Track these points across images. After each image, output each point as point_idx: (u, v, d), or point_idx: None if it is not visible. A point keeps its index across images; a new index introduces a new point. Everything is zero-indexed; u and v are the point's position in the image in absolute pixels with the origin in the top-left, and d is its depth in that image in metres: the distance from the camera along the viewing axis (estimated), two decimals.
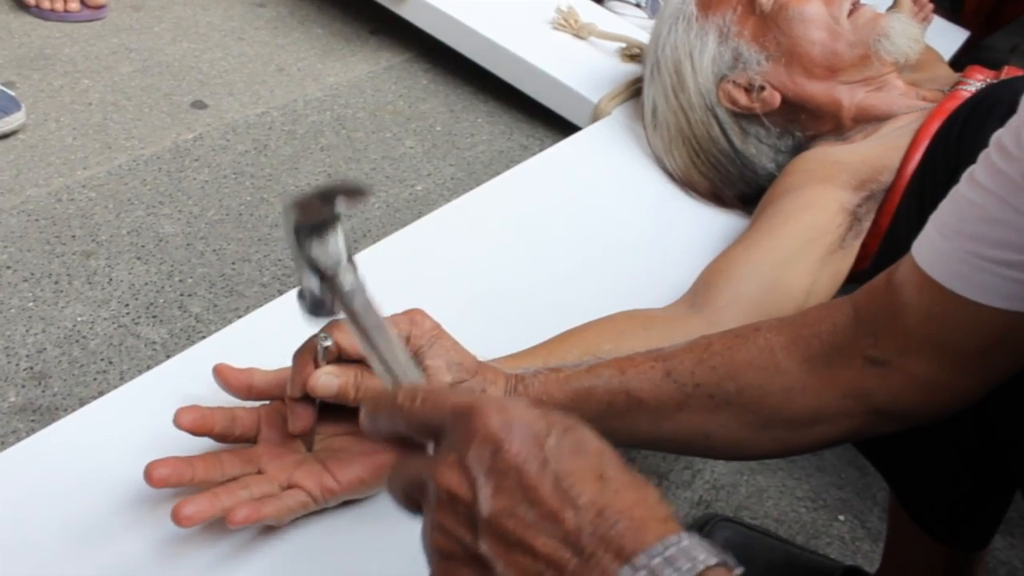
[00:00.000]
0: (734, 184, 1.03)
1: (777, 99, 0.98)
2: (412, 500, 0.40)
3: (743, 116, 1.00)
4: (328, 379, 0.55)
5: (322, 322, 0.51)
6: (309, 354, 0.56)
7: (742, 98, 0.99)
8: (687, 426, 0.59)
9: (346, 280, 0.47)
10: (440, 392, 0.42)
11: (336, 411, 0.59)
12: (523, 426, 0.37)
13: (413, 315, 0.60)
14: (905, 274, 0.53)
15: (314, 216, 0.46)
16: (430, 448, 0.41)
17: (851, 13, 0.97)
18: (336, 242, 0.47)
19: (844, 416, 0.56)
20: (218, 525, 0.57)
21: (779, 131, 1.00)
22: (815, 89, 0.97)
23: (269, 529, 0.58)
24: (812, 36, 0.96)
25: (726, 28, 1.00)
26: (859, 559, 0.94)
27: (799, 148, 0.99)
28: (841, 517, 0.97)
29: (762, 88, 0.98)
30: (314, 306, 0.49)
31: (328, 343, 0.56)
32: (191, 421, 0.55)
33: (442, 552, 0.38)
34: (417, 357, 0.58)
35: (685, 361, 0.59)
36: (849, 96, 0.97)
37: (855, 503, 0.98)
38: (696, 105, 1.01)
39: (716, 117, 1.01)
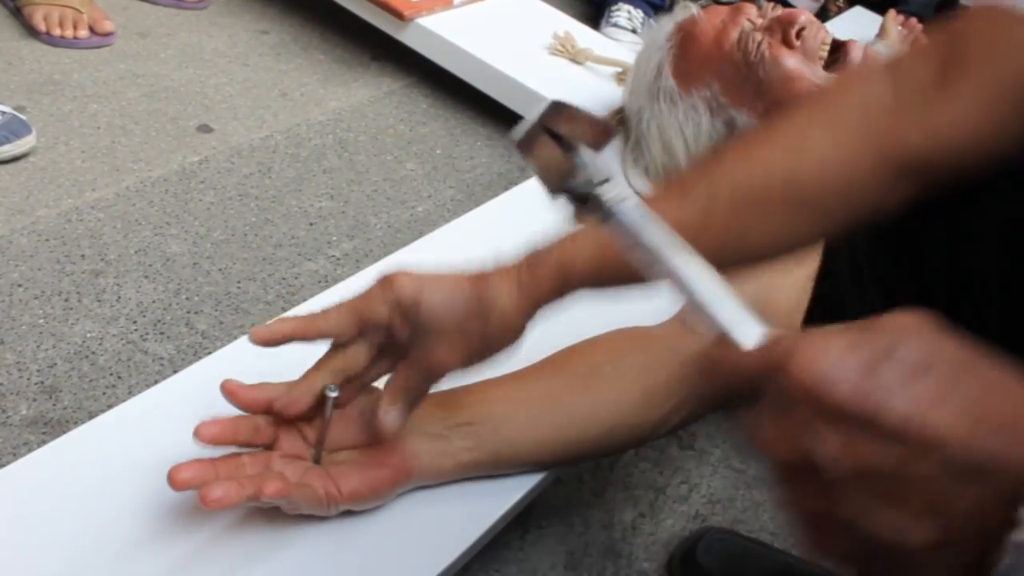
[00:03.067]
0: None
1: None
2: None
3: None
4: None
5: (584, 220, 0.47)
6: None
7: None
8: None
9: (619, 191, 0.43)
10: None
11: (342, 428, 0.61)
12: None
13: (389, 282, 0.58)
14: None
15: (586, 129, 0.45)
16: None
17: (829, 65, 0.98)
18: (610, 153, 0.45)
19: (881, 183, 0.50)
20: (226, 537, 0.59)
21: None
22: None
23: (274, 539, 0.59)
24: (797, 90, 0.97)
25: (714, 100, 1.00)
26: (854, 571, 0.95)
27: None
28: None
29: None
30: (581, 201, 0.45)
31: (335, 394, 0.58)
32: (213, 436, 0.57)
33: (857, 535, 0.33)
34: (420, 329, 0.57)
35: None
36: None
37: None
38: None
39: None
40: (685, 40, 1.03)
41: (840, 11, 2.21)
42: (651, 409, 0.70)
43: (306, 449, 0.61)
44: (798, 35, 0.99)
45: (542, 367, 0.70)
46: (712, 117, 1.00)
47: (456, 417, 0.64)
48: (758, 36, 0.99)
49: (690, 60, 1.02)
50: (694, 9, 1.05)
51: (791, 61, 0.97)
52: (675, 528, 0.91)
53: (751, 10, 1.02)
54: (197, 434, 0.56)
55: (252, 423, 0.59)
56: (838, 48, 1.03)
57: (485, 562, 0.82)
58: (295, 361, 0.74)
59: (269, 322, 0.59)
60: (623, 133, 1.17)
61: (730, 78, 1.00)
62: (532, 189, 1.07)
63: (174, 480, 0.54)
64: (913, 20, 1.56)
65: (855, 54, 0.98)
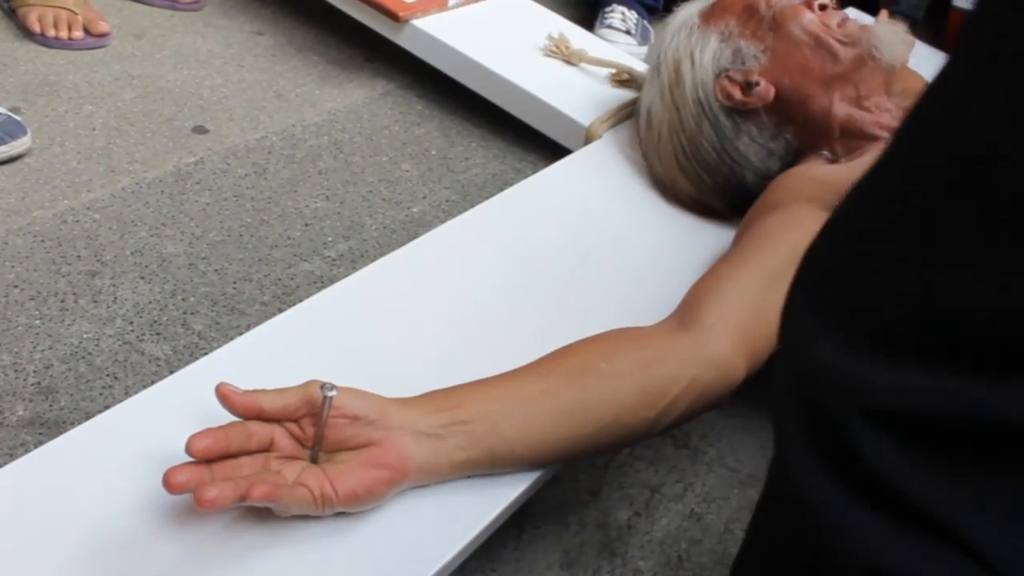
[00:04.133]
0: (718, 187, 1.05)
1: (771, 93, 1.01)
2: None
3: (737, 112, 1.03)
4: None
5: None
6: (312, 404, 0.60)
7: (737, 93, 1.02)
8: None
9: None
10: None
11: (339, 428, 0.61)
12: None
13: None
14: None
15: None
16: None
17: (841, 24, 1.03)
18: None
19: None
20: (222, 537, 0.59)
21: (772, 132, 1.03)
22: (810, 87, 1.01)
23: (268, 540, 0.60)
24: (808, 31, 1.01)
25: (727, 31, 1.05)
26: None
27: (788, 155, 1.02)
28: None
29: (757, 83, 1.01)
30: None
31: (332, 393, 0.58)
32: (205, 448, 0.56)
33: None
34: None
35: None
36: (839, 107, 1.00)
37: None
38: (690, 100, 1.05)
39: (708, 112, 1.04)
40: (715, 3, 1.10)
41: None
42: (646, 408, 0.70)
43: (303, 449, 0.61)
44: (821, 8, 1.04)
45: (537, 366, 0.71)
46: (721, 42, 1.05)
47: (451, 416, 0.64)
48: None
49: (717, 6, 1.08)
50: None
51: (809, 15, 1.02)
52: (670, 527, 0.91)
53: None
54: (188, 447, 0.55)
55: (245, 429, 0.58)
56: None
57: (481, 561, 0.83)
58: (292, 361, 0.74)
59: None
60: (627, 124, 1.20)
61: (747, 16, 1.05)
62: (526, 190, 1.08)
63: (170, 483, 0.54)
64: (903, 24, 1.58)
65: (854, 21, 1.04)
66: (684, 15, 1.11)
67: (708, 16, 1.07)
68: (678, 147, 1.06)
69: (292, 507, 0.58)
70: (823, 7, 1.04)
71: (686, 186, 1.07)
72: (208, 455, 0.56)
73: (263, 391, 0.60)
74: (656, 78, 1.10)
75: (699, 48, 1.05)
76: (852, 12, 2.18)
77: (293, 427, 0.61)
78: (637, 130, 1.16)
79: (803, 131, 1.02)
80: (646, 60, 1.48)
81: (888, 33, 1.01)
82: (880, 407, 0.36)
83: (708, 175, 1.05)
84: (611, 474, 0.96)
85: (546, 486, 0.91)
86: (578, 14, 1.89)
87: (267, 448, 0.60)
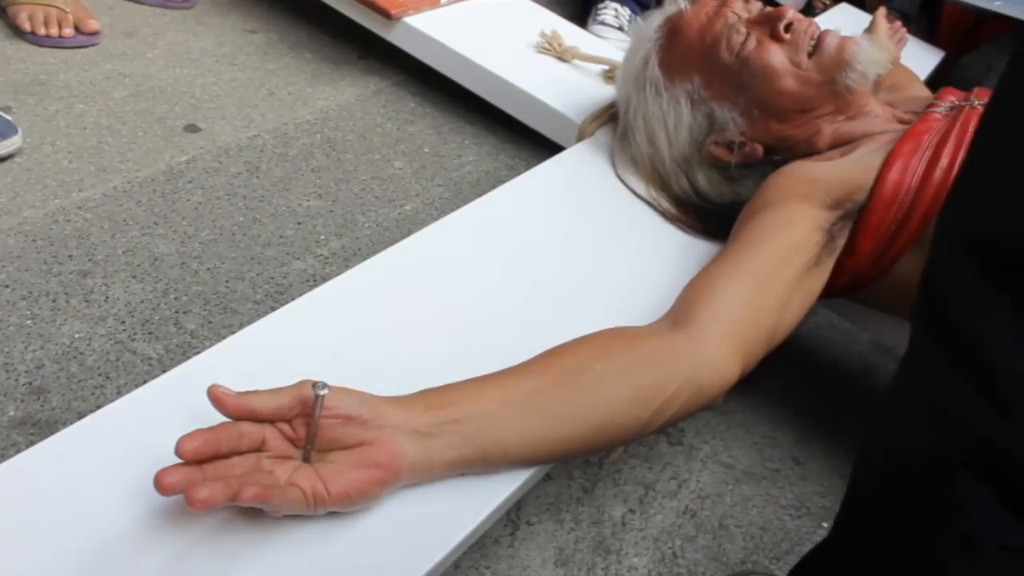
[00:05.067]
0: (722, 223, 1.03)
1: (759, 150, 1.00)
2: None
3: (726, 166, 1.02)
4: None
5: None
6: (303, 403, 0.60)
7: (725, 156, 1.01)
8: None
9: None
10: None
11: (331, 428, 0.61)
12: None
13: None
14: None
15: None
16: None
17: (814, 52, 0.98)
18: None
19: None
20: (215, 537, 0.59)
21: (761, 167, 1.01)
22: (792, 131, 0.99)
23: (261, 539, 0.59)
24: (778, 86, 0.97)
25: (695, 93, 1.01)
26: None
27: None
28: (825, 524, 0.99)
29: (743, 144, 1.00)
30: None
31: (324, 392, 0.58)
32: (195, 450, 0.55)
33: None
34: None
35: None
36: (826, 129, 0.99)
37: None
38: (673, 173, 1.04)
39: (695, 184, 1.02)
40: (671, 32, 1.04)
41: (826, 8, 2.22)
42: (640, 408, 0.70)
43: (295, 449, 0.61)
44: (787, 29, 0.99)
45: (530, 365, 0.70)
46: (693, 109, 1.01)
47: (444, 415, 0.64)
48: (742, 29, 0.99)
49: (675, 52, 1.03)
50: (683, 3, 1.06)
51: (776, 56, 0.97)
52: (665, 523, 0.92)
53: (737, 3, 1.02)
54: (178, 449, 0.55)
55: (236, 430, 0.58)
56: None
57: (476, 559, 0.83)
58: (285, 360, 0.74)
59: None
60: (613, 124, 1.18)
61: (712, 71, 1.00)
62: (519, 187, 1.08)
63: (161, 485, 0.53)
64: (899, 23, 1.58)
65: (830, 40, 0.98)
66: (641, 59, 1.05)
67: (669, 68, 1.02)
68: (672, 201, 1.05)
69: (283, 507, 0.58)
70: (788, 28, 0.98)
71: (691, 223, 1.06)
72: (198, 457, 0.55)
73: (255, 392, 0.60)
74: (631, 142, 1.07)
75: (671, 118, 1.02)
76: (845, 8, 2.19)
77: (285, 427, 0.60)
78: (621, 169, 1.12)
79: (791, 154, 1.00)
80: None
81: (865, 59, 0.97)
82: None
83: (708, 220, 1.04)
84: (605, 471, 0.96)
85: (540, 483, 0.91)
86: (572, 11, 1.89)
87: (259, 448, 0.60)
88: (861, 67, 0.97)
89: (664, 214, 1.06)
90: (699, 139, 1.02)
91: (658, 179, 1.06)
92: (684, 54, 1.02)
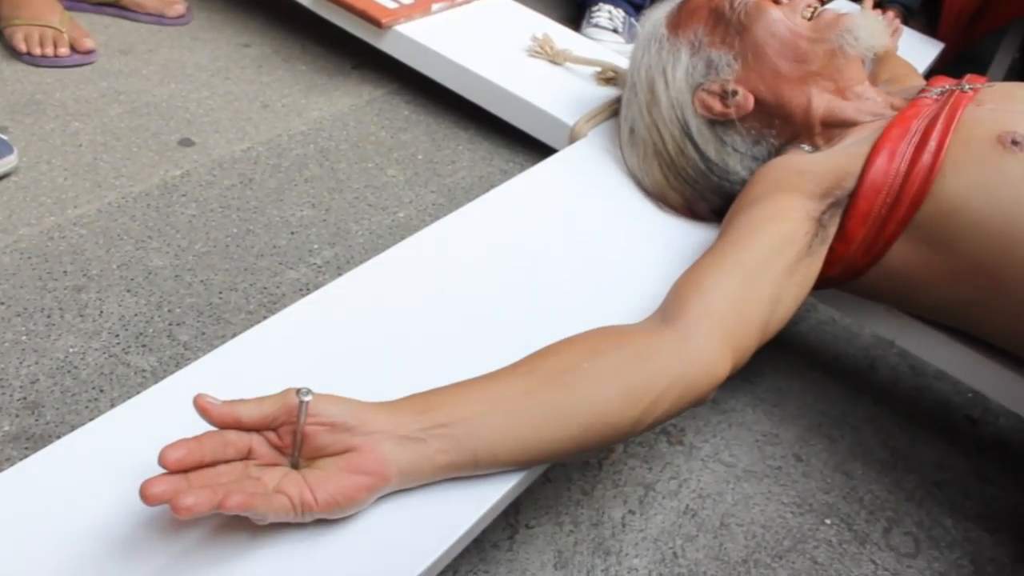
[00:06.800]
0: (707, 197, 1.05)
1: (751, 101, 1.00)
2: None
3: (719, 124, 1.02)
4: None
5: None
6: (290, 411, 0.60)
7: (717, 105, 1.01)
8: None
9: None
10: None
11: (318, 434, 0.61)
12: None
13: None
14: None
15: None
16: None
17: (813, 17, 1.01)
18: None
19: None
20: (207, 545, 0.59)
21: (753, 138, 1.02)
22: (786, 89, 0.99)
23: (252, 546, 0.59)
24: (772, 28, 1.00)
25: (697, 41, 1.03)
26: (846, 561, 0.95)
27: (771, 156, 1.02)
28: (828, 521, 0.98)
29: (735, 93, 1.00)
30: None
31: (308, 398, 0.58)
32: (178, 460, 0.55)
33: None
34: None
35: None
36: (818, 102, 0.99)
37: (841, 507, 1.00)
38: (668, 119, 1.04)
39: (689, 132, 1.03)
40: (681, 5, 1.09)
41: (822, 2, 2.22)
42: (630, 406, 0.70)
43: (283, 457, 0.61)
44: None
45: (518, 366, 0.70)
46: (692, 56, 1.03)
47: (431, 419, 0.64)
48: None
49: (682, 13, 1.07)
50: None
51: (773, 9, 1.01)
52: (665, 524, 0.91)
53: None
54: (161, 459, 0.54)
55: (221, 439, 0.58)
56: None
57: (474, 563, 0.82)
58: (277, 368, 0.74)
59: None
60: (621, 85, 1.21)
61: (714, 24, 1.03)
62: (511, 190, 1.08)
63: (146, 495, 0.53)
64: (891, 13, 1.58)
65: (829, 12, 1.01)
66: (651, 26, 1.09)
67: (675, 25, 1.06)
68: (663, 166, 1.06)
69: (269, 515, 0.57)
70: None
71: (675, 198, 1.07)
72: (182, 467, 0.55)
73: (241, 401, 0.60)
74: (634, 98, 1.10)
75: (671, 64, 1.04)
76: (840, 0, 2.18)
77: (272, 436, 0.60)
78: (619, 142, 1.16)
79: (784, 130, 1.01)
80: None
81: (863, 28, 0.99)
82: None
83: (694, 189, 1.05)
84: (604, 472, 0.95)
85: (539, 485, 0.91)
86: (566, 14, 1.90)
87: (245, 456, 0.60)
88: (860, 35, 0.99)
89: (650, 190, 1.09)
90: (695, 83, 1.03)
91: (654, 136, 1.06)
92: (690, 13, 1.06)
